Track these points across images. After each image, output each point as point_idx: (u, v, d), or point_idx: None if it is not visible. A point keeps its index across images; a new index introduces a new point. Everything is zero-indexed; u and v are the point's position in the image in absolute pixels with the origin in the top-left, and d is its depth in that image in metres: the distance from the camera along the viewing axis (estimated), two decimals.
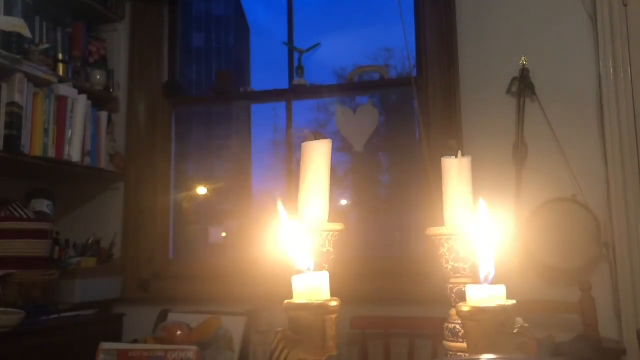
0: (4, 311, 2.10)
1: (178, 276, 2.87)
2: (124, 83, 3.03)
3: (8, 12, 2.40)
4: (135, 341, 2.37)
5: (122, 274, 2.83)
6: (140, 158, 2.96)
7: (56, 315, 2.40)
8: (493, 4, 2.65)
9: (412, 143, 2.95)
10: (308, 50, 2.99)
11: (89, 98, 2.70)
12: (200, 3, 15.77)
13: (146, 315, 2.65)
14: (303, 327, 0.78)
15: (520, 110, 2.50)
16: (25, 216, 2.48)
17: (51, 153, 2.47)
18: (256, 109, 3.19)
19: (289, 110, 2.99)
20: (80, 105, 2.63)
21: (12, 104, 2.30)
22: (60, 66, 2.68)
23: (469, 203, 1.03)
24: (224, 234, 3.35)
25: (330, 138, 0.98)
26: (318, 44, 3.01)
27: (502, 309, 0.78)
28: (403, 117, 3.15)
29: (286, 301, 0.80)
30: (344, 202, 3.10)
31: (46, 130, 2.46)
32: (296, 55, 2.99)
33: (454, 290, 1.03)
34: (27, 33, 2.36)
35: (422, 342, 2.40)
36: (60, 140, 2.52)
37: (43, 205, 2.62)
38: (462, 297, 0.90)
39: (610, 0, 2.43)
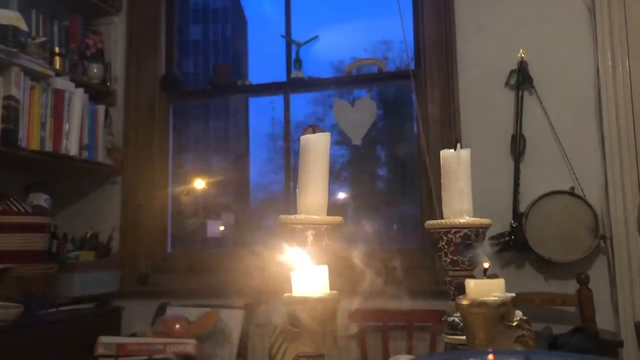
0: (2, 305, 2.10)
1: (176, 270, 2.87)
2: (121, 76, 3.02)
3: (4, 4, 2.38)
4: (133, 334, 2.38)
5: (120, 268, 2.83)
6: (138, 151, 2.95)
7: (54, 309, 2.40)
8: None
9: (411, 136, 2.95)
10: (306, 43, 2.98)
11: (86, 91, 2.69)
12: None
13: (145, 309, 2.65)
14: (302, 320, 0.78)
15: (519, 103, 2.50)
16: (23, 210, 2.47)
17: (48, 147, 2.47)
18: (254, 102, 3.18)
19: (286, 103, 2.98)
20: (77, 98, 2.62)
21: (8, 97, 2.29)
22: (57, 59, 2.67)
23: (468, 196, 1.03)
24: (221, 228, 3.35)
25: (328, 131, 0.98)
26: (316, 37, 3.00)
27: (501, 302, 0.78)
28: (401, 110, 3.15)
29: (285, 294, 0.81)
30: (342, 195, 3.10)
31: (43, 124, 2.45)
32: (294, 48, 2.98)
33: (453, 283, 1.03)
34: (23, 26, 2.35)
35: (420, 334, 2.41)
36: (58, 133, 2.52)
37: (41, 199, 2.61)
38: (461, 290, 0.90)
39: None
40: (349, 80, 2.95)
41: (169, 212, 3.05)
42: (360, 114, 2.86)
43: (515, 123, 2.51)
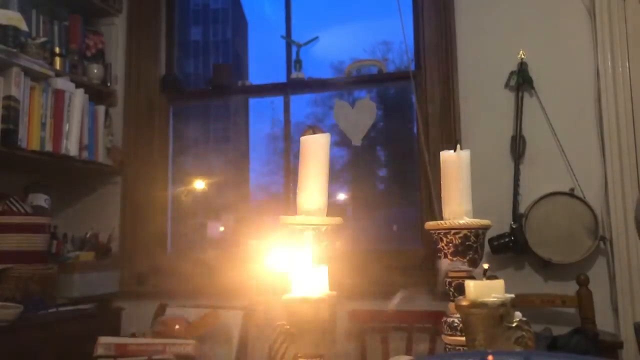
0: (2, 305, 2.09)
1: (176, 270, 2.86)
2: (121, 77, 3.02)
3: (4, 5, 2.39)
4: (133, 335, 2.38)
5: (120, 268, 2.83)
6: (138, 152, 2.95)
7: (54, 309, 2.40)
8: None
9: (410, 137, 2.95)
10: (306, 43, 2.98)
11: (86, 92, 2.69)
12: None
13: (144, 309, 2.65)
14: (302, 320, 0.78)
15: (519, 104, 2.50)
16: (22, 210, 2.47)
17: (48, 147, 2.47)
18: (254, 103, 3.18)
19: (286, 104, 2.98)
20: (78, 99, 2.62)
21: (8, 97, 2.29)
22: (57, 60, 2.67)
23: (467, 197, 1.03)
24: (221, 228, 3.35)
25: (328, 132, 0.98)
26: (316, 38, 3.00)
27: (501, 303, 0.78)
28: (401, 111, 3.15)
29: (285, 295, 0.81)
30: (342, 196, 3.10)
31: (43, 124, 2.45)
32: (294, 49, 2.98)
33: (453, 284, 1.03)
34: (23, 26, 2.35)
35: (420, 335, 2.41)
36: (58, 134, 2.52)
37: (40, 199, 2.61)
38: (461, 291, 0.90)
39: None
40: (349, 81, 2.95)
41: (169, 212, 3.05)
42: (360, 114, 2.86)
43: (515, 124, 2.51)
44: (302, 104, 3.08)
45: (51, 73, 2.52)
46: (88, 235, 2.80)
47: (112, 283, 2.78)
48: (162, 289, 2.79)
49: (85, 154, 2.66)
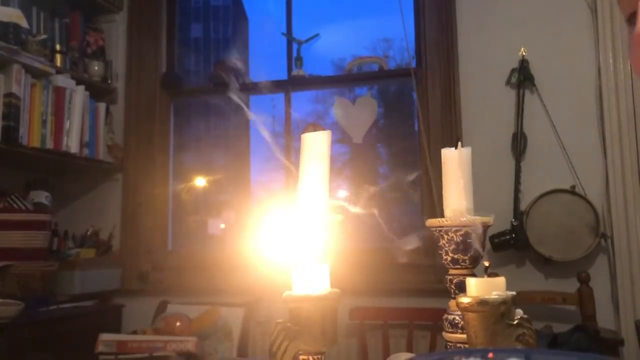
0: (3, 302, 2.10)
1: (177, 267, 2.87)
2: (122, 74, 3.02)
3: (5, 2, 2.38)
4: (134, 332, 2.38)
5: (121, 265, 2.83)
6: (139, 149, 2.95)
7: (55, 307, 2.40)
8: None
9: (411, 134, 2.94)
10: (307, 41, 2.97)
11: (86, 89, 2.69)
12: None
13: (145, 306, 2.65)
14: (303, 318, 0.78)
15: (520, 102, 2.50)
16: (23, 207, 2.48)
17: (49, 144, 2.47)
18: (254, 100, 3.17)
19: (287, 101, 2.98)
20: (78, 96, 2.62)
21: (9, 94, 2.29)
22: (58, 57, 2.67)
23: (468, 194, 1.03)
24: (222, 225, 3.35)
25: (329, 129, 0.97)
26: (317, 35, 2.99)
27: (502, 300, 0.78)
28: (402, 108, 3.15)
29: (286, 292, 0.80)
30: (343, 193, 3.10)
31: (44, 122, 2.45)
32: (295, 46, 2.97)
33: (454, 282, 1.03)
34: (24, 23, 2.35)
35: (420, 333, 2.41)
36: (59, 131, 2.52)
37: (41, 196, 2.62)
38: (462, 288, 0.90)
39: None
40: (349, 79, 2.94)
41: (170, 209, 3.05)
42: (361, 112, 2.86)
43: (516, 121, 2.50)
44: (303, 101, 3.08)
45: (52, 70, 2.52)
46: (89, 233, 2.80)
47: (113, 280, 2.78)
48: (163, 286, 2.80)
49: (86, 151, 2.66)
